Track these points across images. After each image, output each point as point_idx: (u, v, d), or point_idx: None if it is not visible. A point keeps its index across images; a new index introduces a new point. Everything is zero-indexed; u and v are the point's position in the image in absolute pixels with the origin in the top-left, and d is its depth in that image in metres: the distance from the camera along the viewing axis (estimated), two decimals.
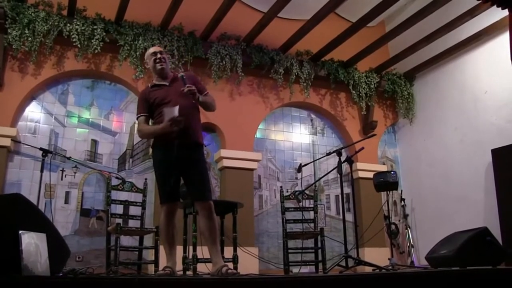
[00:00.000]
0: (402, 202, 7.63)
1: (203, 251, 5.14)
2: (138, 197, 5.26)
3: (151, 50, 3.87)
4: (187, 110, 3.59)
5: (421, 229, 7.52)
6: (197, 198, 3.61)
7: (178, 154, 3.53)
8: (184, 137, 3.56)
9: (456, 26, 6.63)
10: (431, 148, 7.58)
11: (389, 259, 5.71)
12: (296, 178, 7.34)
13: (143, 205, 5.15)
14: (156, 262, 4.84)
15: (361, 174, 7.50)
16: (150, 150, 3.93)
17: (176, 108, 3.48)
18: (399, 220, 7.74)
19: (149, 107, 3.75)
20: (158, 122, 3.65)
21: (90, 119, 6.38)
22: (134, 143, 6.50)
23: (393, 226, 7.58)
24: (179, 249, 4.98)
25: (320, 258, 5.29)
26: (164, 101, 3.65)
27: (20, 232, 2.40)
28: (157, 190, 3.79)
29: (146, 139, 6.21)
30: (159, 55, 3.78)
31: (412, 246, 7.20)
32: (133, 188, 5.16)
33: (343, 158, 5.01)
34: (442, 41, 7.04)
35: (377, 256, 6.43)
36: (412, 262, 6.99)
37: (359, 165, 7.45)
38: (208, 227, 3.53)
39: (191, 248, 4.76)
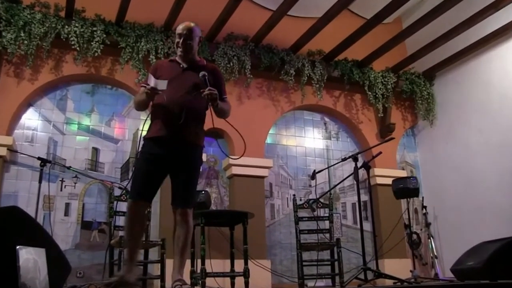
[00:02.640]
0: (424, 209, 7.54)
1: (211, 265, 5.14)
2: None
3: (181, 29, 3.49)
4: (191, 108, 3.35)
5: (445, 239, 7.42)
6: (182, 204, 3.35)
7: (171, 151, 3.33)
8: (181, 135, 3.34)
9: (479, 21, 6.55)
10: (454, 152, 7.49)
11: (411, 271, 5.67)
12: (310, 186, 7.29)
13: (147, 216, 5.13)
14: (162, 277, 4.81)
15: (379, 180, 7.43)
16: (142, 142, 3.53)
17: (164, 82, 3.24)
18: (421, 229, 7.66)
19: None
20: (155, 104, 3.43)
21: (91, 126, 6.38)
22: (138, 151, 6.48)
23: (414, 236, 7.49)
24: (187, 262, 4.96)
25: (336, 270, 5.27)
26: (171, 85, 3.30)
27: (17, 247, 2.38)
28: (133, 185, 3.37)
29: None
30: (183, 39, 3.45)
31: (436, 257, 7.10)
32: None
33: (359, 164, 4.95)
34: (464, 37, 6.96)
35: (398, 268, 6.37)
36: (436, 274, 6.89)
37: (376, 170, 7.38)
38: (177, 235, 3.33)
39: (199, 261, 4.73)
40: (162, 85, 3.23)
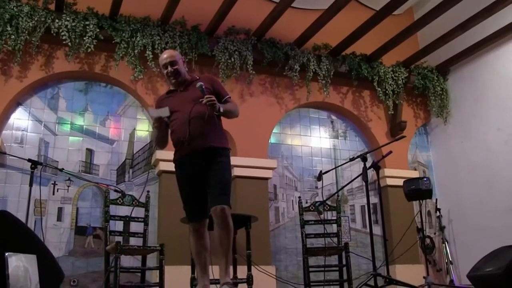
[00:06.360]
0: (438, 212, 7.53)
1: (213, 271, 5.13)
2: (139, 212, 5.24)
3: (162, 60, 3.91)
4: (196, 117, 3.68)
5: (461, 243, 7.40)
6: (214, 201, 3.58)
7: (194, 165, 3.67)
8: (198, 145, 3.66)
9: (497, 10, 6.46)
10: (470, 151, 7.46)
11: (424, 277, 5.65)
12: (316, 187, 7.29)
13: (145, 220, 5.13)
14: (161, 284, 4.80)
15: (390, 181, 7.41)
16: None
17: (165, 109, 3.77)
18: (435, 233, 7.64)
19: None
20: (172, 133, 3.82)
21: (84, 126, 6.39)
22: (134, 152, 6.49)
23: (427, 240, 7.48)
24: (187, 269, 4.97)
25: (345, 277, 5.28)
26: (175, 110, 3.77)
27: (6, 254, 2.38)
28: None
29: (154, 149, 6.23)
30: (169, 69, 3.85)
31: (451, 263, 7.09)
32: (134, 202, 5.16)
33: (368, 164, 4.94)
34: (480, 29, 6.90)
35: (411, 274, 6.37)
36: (451, 281, 6.89)
37: (387, 171, 7.38)
38: (218, 237, 3.57)
39: None
40: (164, 112, 3.75)
